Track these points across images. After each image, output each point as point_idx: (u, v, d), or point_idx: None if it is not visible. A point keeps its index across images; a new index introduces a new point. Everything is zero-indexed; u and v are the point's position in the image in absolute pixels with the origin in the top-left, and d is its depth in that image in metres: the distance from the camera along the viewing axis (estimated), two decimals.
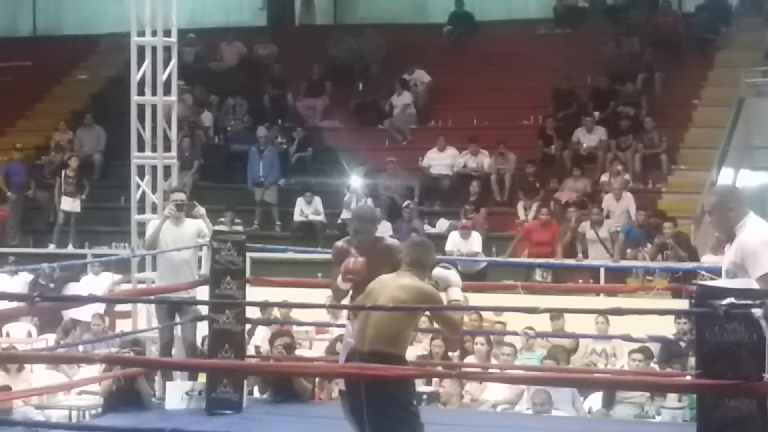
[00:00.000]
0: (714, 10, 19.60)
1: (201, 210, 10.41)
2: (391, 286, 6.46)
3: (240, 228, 16.06)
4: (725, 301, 5.62)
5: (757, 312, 5.57)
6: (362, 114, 19.46)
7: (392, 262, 7.07)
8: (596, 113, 17.76)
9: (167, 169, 11.57)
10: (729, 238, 6.52)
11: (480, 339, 11.46)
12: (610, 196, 15.86)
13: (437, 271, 6.63)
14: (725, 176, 16.50)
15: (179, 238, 10.16)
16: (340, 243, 7.64)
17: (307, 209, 17.24)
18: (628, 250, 14.85)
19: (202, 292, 9.86)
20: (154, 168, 11.46)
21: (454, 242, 15.23)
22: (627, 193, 15.85)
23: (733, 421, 5.72)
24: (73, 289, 15.09)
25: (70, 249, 17.29)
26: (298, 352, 11.44)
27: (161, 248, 10.19)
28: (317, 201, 17.27)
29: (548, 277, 14.41)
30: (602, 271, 14.24)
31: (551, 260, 14.51)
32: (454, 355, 11.91)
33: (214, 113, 19.78)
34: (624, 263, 14.42)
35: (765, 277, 6.23)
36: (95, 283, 14.84)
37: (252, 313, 10.70)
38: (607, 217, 15.55)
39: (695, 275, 9.70)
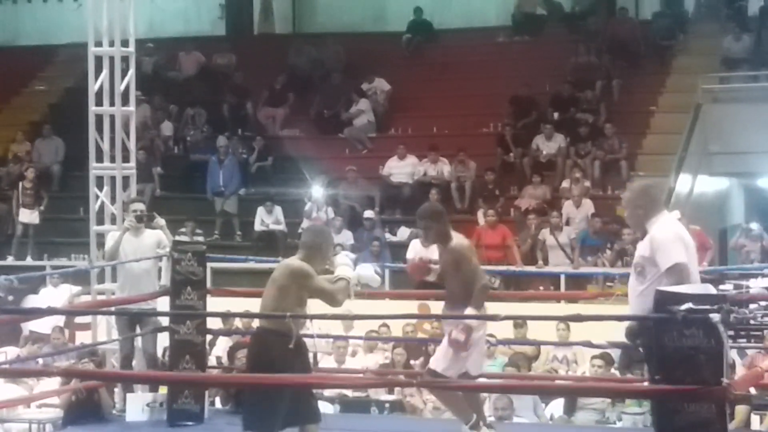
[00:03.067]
0: (671, 16, 19.81)
1: (161, 221, 10.35)
2: (277, 267, 7.17)
3: (201, 238, 16.15)
4: (683, 307, 5.68)
5: (715, 317, 5.63)
6: (322, 123, 19.44)
7: (456, 260, 7.78)
8: (555, 117, 17.83)
9: (126, 180, 11.50)
10: (642, 234, 6.85)
11: None
12: (570, 202, 15.92)
13: (337, 258, 7.38)
14: (683, 182, 16.60)
15: (139, 248, 10.10)
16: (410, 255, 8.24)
17: (267, 219, 17.20)
18: (589, 257, 14.90)
19: (163, 303, 9.81)
20: (112, 179, 11.40)
21: (415, 250, 15.02)
22: (587, 200, 15.91)
23: (693, 426, 5.77)
24: (32, 301, 14.96)
25: (29, 261, 17.20)
26: None
27: (121, 259, 10.13)
28: (278, 210, 17.23)
29: (496, 282, 14.42)
30: (563, 277, 14.28)
31: (513, 267, 14.52)
32: (416, 363, 11.92)
33: (174, 123, 19.70)
34: (584, 270, 14.47)
35: (674, 267, 6.51)
36: (54, 294, 14.72)
37: (213, 323, 10.65)
38: (568, 224, 15.60)
39: None
